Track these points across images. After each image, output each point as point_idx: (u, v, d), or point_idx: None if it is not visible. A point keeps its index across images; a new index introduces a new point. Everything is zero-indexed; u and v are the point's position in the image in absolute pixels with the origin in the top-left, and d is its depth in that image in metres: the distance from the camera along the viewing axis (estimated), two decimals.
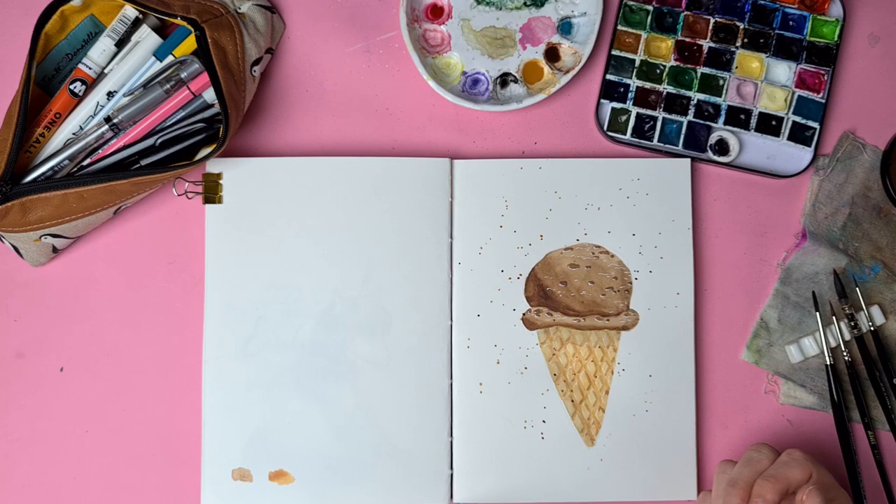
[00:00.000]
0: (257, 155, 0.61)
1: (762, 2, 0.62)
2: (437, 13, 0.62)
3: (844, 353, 0.60)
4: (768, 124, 0.61)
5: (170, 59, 0.58)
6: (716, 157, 0.61)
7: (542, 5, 0.62)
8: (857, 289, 0.60)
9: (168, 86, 0.57)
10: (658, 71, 0.62)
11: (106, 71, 0.58)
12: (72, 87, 0.57)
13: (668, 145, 0.61)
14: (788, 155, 0.62)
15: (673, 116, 0.61)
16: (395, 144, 0.62)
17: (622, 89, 0.62)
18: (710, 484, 0.60)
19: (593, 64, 0.63)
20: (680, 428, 0.59)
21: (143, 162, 0.57)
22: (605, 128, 0.62)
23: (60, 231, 0.57)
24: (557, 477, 0.59)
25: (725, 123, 0.61)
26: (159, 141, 0.58)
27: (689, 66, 0.62)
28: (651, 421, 0.59)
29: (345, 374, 0.59)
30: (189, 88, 0.57)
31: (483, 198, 0.60)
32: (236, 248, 0.60)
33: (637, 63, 0.62)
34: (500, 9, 0.62)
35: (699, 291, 0.61)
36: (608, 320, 0.60)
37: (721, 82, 0.62)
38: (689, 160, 0.61)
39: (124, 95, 0.58)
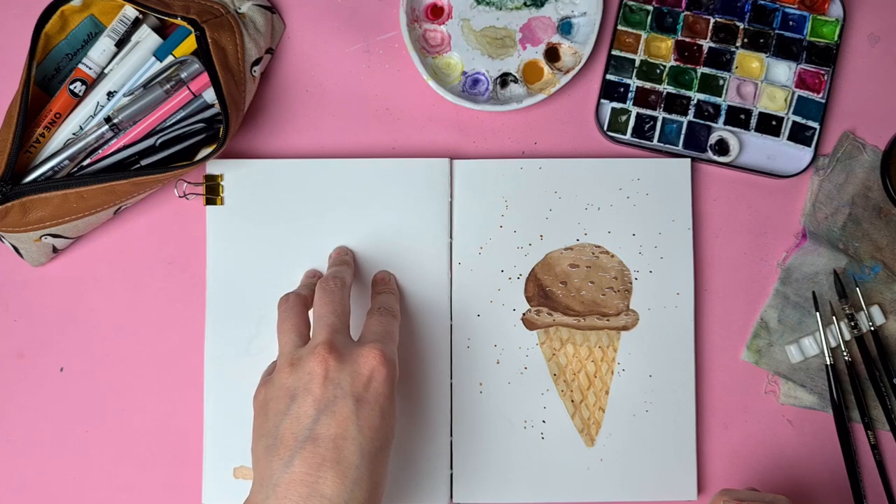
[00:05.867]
0: (257, 155, 0.61)
1: (762, 2, 0.62)
2: (437, 13, 0.62)
3: (844, 353, 0.60)
4: (768, 124, 0.61)
5: (170, 59, 0.58)
6: (716, 157, 0.61)
7: (542, 5, 0.62)
8: (857, 289, 0.60)
9: (168, 86, 0.57)
10: (658, 71, 0.62)
11: (106, 71, 0.58)
12: (72, 87, 0.57)
13: (668, 145, 0.61)
14: (788, 155, 0.62)
15: (673, 116, 0.61)
16: (395, 144, 0.62)
17: (622, 89, 0.62)
18: (711, 484, 0.60)
19: (593, 64, 0.63)
20: (680, 428, 0.59)
21: (144, 162, 0.57)
22: (605, 128, 0.62)
23: (60, 231, 0.57)
24: (557, 477, 0.59)
25: (725, 123, 0.61)
26: (159, 141, 0.58)
27: (689, 66, 0.62)
28: (651, 421, 0.59)
29: None
30: (189, 88, 0.57)
31: (483, 198, 0.60)
32: (238, 248, 0.60)
33: (637, 63, 0.62)
34: (500, 9, 0.62)
35: (699, 291, 0.61)
36: (608, 320, 0.60)
37: (721, 82, 0.62)
38: (689, 160, 0.61)
39: (124, 95, 0.58)
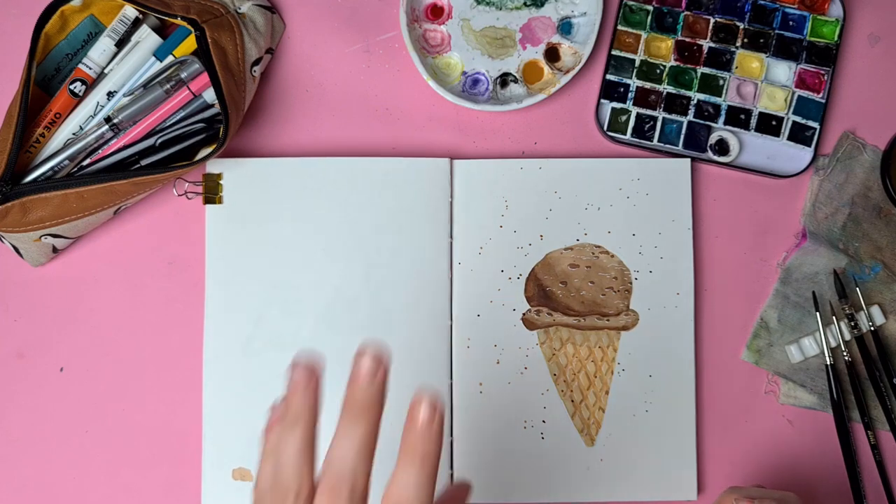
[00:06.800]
0: (257, 155, 0.61)
1: (762, 2, 0.62)
2: (437, 13, 0.62)
3: (844, 353, 0.60)
4: (768, 124, 0.61)
5: (170, 59, 0.58)
6: (716, 157, 0.61)
7: (542, 5, 0.62)
8: (857, 289, 0.60)
9: (168, 86, 0.57)
10: (658, 71, 0.62)
11: (106, 71, 0.58)
12: (72, 87, 0.57)
13: (668, 145, 0.61)
14: (788, 155, 0.62)
15: (673, 116, 0.61)
16: (395, 144, 0.62)
17: (622, 89, 0.62)
18: (711, 484, 0.60)
19: (593, 64, 0.63)
20: (680, 428, 0.59)
21: (144, 162, 0.57)
22: (605, 128, 0.62)
23: (60, 231, 0.57)
24: (557, 477, 0.59)
25: (725, 123, 0.61)
26: (159, 141, 0.58)
27: (689, 66, 0.62)
28: (651, 421, 0.59)
29: (345, 374, 0.59)
30: (189, 88, 0.57)
31: (483, 198, 0.60)
32: (237, 248, 0.60)
33: (637, 63, 0.62)
34: (500, 9, 0.62)
35: (699, 291, 0.61)
36: (608, 320, 0.60)
37: (721, 82, 0.62)
38: (689, 160, 0.61)
39: (124, 95, 0.58)
